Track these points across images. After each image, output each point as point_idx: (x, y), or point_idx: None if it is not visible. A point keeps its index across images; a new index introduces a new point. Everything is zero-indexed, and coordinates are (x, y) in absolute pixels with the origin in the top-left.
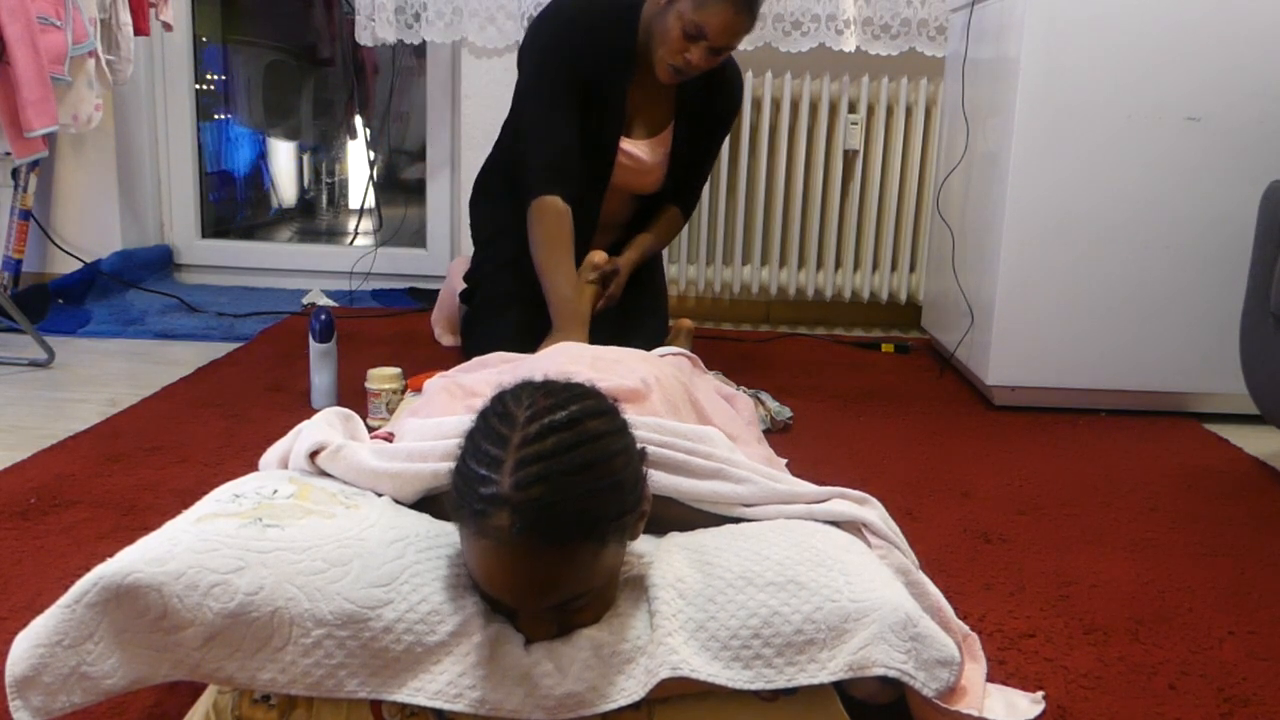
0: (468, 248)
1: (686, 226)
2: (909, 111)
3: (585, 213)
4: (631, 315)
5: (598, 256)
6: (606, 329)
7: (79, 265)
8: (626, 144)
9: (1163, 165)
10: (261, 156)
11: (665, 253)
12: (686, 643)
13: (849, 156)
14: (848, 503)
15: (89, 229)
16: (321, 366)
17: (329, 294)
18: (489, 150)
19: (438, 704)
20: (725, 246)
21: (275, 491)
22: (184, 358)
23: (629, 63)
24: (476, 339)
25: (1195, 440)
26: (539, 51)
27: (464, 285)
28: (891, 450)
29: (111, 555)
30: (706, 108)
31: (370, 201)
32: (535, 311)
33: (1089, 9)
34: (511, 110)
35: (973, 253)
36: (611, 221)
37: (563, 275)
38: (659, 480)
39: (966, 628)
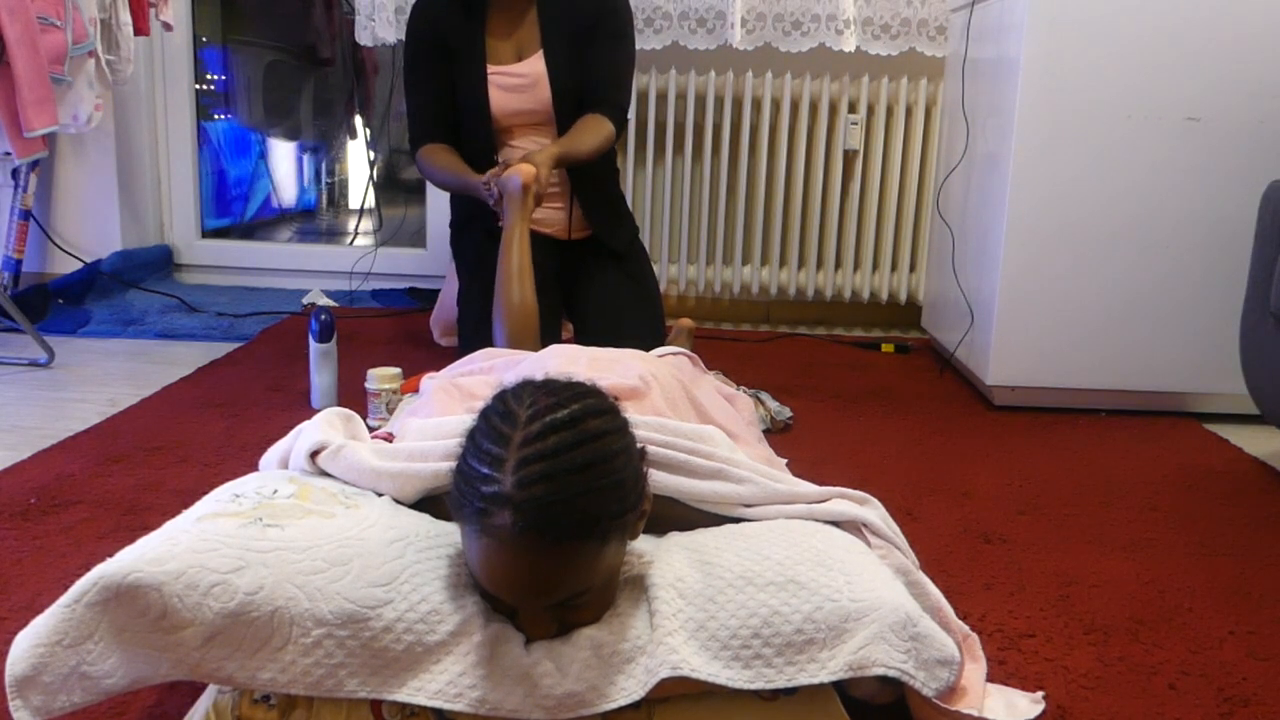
0: None
1: (687, 226)
2: (909, 111)
3: (484, 151)
4: (622, 315)
5: (524, 171)
6: (598, 330)
7: (79, 265)
8: (497, 68)
9: (1163, 165)
10: (261, 156)
11: (664, 252)
12: (686, 642)
13: (849, 156)
14: (848, 503)
15: (89, 229)
16: (321, 366)
17: (329, 294)
18: None
19: (438, 703)
20: (725, 246)
21: (275, 491)
22: (184, 358)
23: (478, 5)
24: (468, 329)
25: (1195, 440)
26: (405, 37)
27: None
28: (891, 450)
29: (111, 555)
30: (570, 18)
31: (370, 201)
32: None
33: (1089, 9)
34: None
35: (973, 253)
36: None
37: (458, 171)
38: (660, 480)
39: (967, 628)
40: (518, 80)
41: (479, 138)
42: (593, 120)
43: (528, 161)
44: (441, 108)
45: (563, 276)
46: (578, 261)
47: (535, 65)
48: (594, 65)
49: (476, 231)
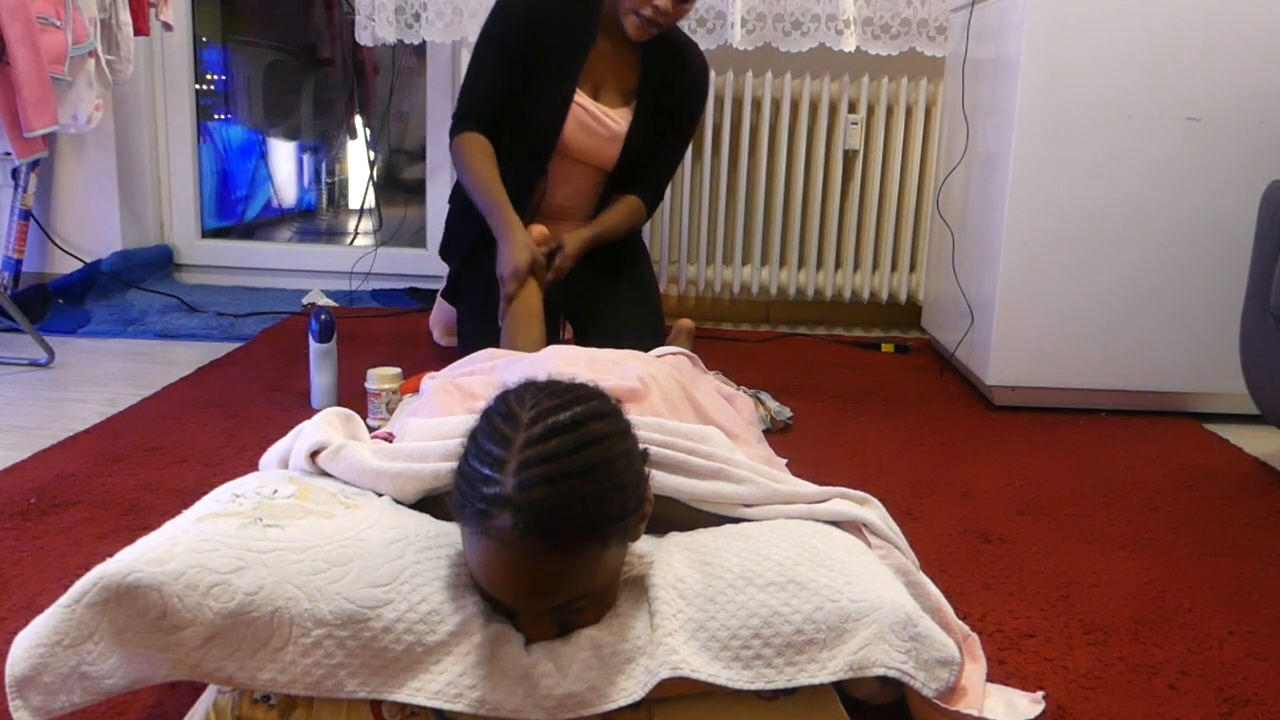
0: None
1: (687, 226)
2: (909, 111)
3: (535, 166)
4: (622, 317)
5: (535, 231)
6: (598, 332)
7: (79, 265)
8: (585, 99)
9: (1163, 165)
10: (261, 156)
11: (664, 253)
12: (686, 643)
13: (849, 156)
14: (848, 503)
15: (89, 229)
16: (321, 366)
17: (329, 294)
18: None
19: (438, 704)
20: (725, 246)
21: (275, 491)
22: (184, 358)
23: (591, 26)
24: (468, 338)
25: (1195, 440)
26: (495, 14)
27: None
28: (891, 450)
29: (111, 555)
30: (670, 90)
31: (370, 201)
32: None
33: (1089, 9)
34: None
35: (973, 253)
36: (574, 203)
37: (492, 188)
38: (660, 480)
39: (967, 628)
40: (599, 126)
41: (532, 155)
42: (635, 206)
43: (559, 242)
44: (500, 99)
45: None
46: (578, 264)
47: (621, 121)
48: (659, 150)
49: (484, 266)
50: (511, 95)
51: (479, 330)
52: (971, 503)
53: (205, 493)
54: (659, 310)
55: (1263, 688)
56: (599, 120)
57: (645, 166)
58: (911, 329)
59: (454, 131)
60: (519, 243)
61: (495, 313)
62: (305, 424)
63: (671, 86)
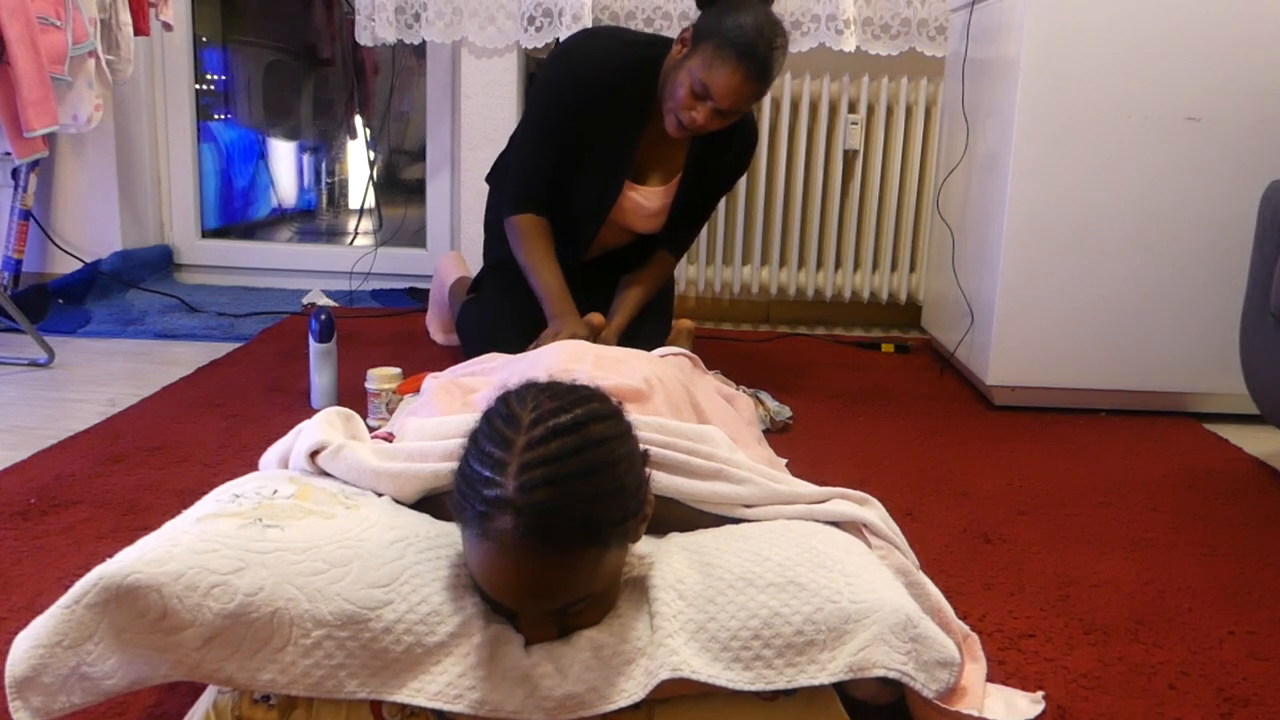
0: (467, 246)
1: None
2: (909, 111)
3: (577, 241)
4: (637, 315)
5: (596, 319)
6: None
7: (79, 265)
8: (633, 190)
9: (1163, 165)
10: (261, 156)
11: None
12: (687, 644)
13: (849, 156)
14: (848, 503)
15: (89, 229)
16: (321, 366)
17: (329, 294)
18: (490, 150)
19: (437, 705)
20: (725, 246)
21: (275, 492)
22: (184, 358)
23: (644, 110)
24: (474, 332)
25: (1195, 440)
26: (551, 83)
27: (452, 280)
28: (891, 450)
29: (111, 555)
30: (716, 162)
31: (370, 201)
32: (532, 306)
33: (1089, 9)
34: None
35: (973, 253)
36: (602, 246)
37: (549, 271)
38: (660, 481)
39: (967, 628)
40: (642, 210)
41: (577, 229)
42: (665, 265)
43: (596, 332)
44: (552, 175)
45: (575, 279)
46: (599, 269)
47: (665, 198)
48: (697, 209)
49: (508, 276)
50: (560, 172)
51: (494, 330)
52: (971, 503)
53: (205, 493)
54: (670, 313)
55: (1263, 688)
56: (640, 206)
57: (680, 222)
58: (911, 329)
59: (512, 210)
60: (574, 328)
61: (507, 319)
62: (305, 424)
63: (718, 159)
